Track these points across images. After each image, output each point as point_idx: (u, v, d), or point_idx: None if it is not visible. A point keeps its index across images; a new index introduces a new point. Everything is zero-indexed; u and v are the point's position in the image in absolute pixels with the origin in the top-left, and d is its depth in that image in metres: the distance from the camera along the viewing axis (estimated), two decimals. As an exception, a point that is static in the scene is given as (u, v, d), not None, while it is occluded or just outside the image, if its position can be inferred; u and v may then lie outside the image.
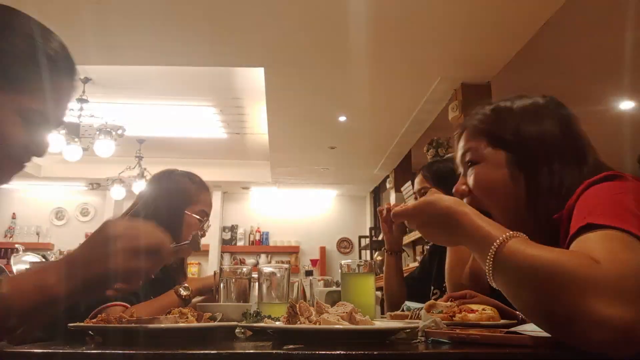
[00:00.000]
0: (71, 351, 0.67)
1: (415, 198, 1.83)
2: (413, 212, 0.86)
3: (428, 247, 2.08)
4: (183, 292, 1.44)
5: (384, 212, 1.73)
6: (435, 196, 0.85)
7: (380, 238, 6.88)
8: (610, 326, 0.58)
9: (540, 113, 0.97)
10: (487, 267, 0.71)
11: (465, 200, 1.03)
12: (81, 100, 4.64)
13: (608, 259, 0.64)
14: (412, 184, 5.78)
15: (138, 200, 1.67)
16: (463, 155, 1.03)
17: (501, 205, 0.97)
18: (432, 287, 1.86)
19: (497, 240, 0.70)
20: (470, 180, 1.00)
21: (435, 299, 1.79)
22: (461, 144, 1.04)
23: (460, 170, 1.05)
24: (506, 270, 0.69)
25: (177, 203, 1.61)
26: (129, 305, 1.40)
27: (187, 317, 0.88)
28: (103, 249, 0.73)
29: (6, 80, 0.79)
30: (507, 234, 0.70)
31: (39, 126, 0.85)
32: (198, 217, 1.63)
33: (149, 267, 0.76)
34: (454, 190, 1.06)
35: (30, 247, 6.72)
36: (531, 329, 0.81)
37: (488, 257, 0.70)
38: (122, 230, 0.75)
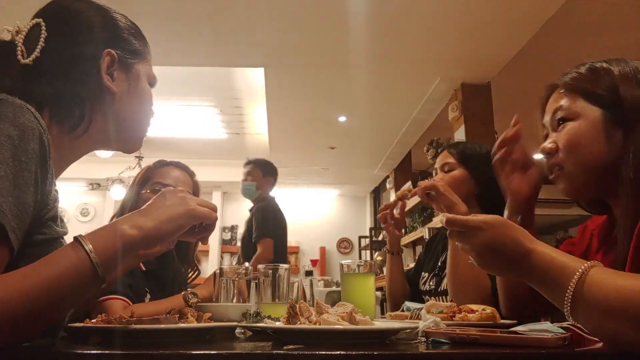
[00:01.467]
0: (71, 351, 0.67)
1: (435, 173, 1.82)
2: (474, 226, 0.76)
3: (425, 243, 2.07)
4: (191, 299, 1.42)
5: (389, 210, 1.74)
6: (504, 220, 0.77)
7: (380, 238, 6.88)
8: None
9: (637, 80, 0.91)
10: (567, 298, 0.67)
11: (549, 160, 0.99)
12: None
13: None
14: (412, 184, 5.78)
15: (121, 206, 1.67)
16: (554, 113, 0.98)
17: (589, 165, 0.92)
18: (422, 272, 1.86)
19: (579, 270, 0.66)
20: (561, 137, 0.95)
21: (424, 283, 1.80)
22: (552, 100, 0.99)
23: (547, 130, 1.01)
24: (590, 301, 0.65)
25: (134, 191, 1.63)
26: (129, 302, 1.40)
27: (187, 318, 0.88)
28: (178, 199, 0.80)
29: (140, 52, 0.95)
30: (587, 263, 0.67)
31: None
32: (152, 191, 1.61)
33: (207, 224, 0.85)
34: (540, 147, 1.00)
35: (30, 248, 6.70)
36: (531, 329, 0.81)
37: (569, 289, 0.66)
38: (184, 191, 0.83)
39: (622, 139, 0.89)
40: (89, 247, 0.69)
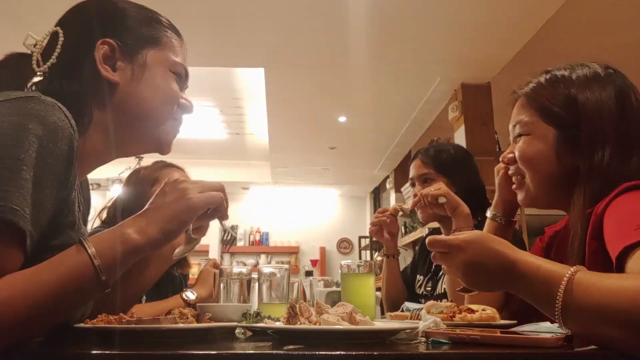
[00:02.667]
0: (71, 352, 0.67)
1: (413, 185, 1.80)
2: (455, 244, 0.76)
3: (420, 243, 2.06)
4: (190, 297, 1.43)
5: (383, 218, 1.72)
6: (483, 235, 0.77)
7: (380, 238, 6.87)
8: None
9: (599, 86, 0.95)
10: (557, 307, 0.66)
11: (511, 169, 1.06)
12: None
13: None
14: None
15: (112, 205, 1.67)
16: (514, 125, 1.03)
17: (540, 181, 0.98)
18: (417, 275, 1.86)
19: (565, 277, 0.65)
20: (517, 150, 1.01)
21: (419, 286, 1.80)
22: (514, 112, 1.04)
23: (510, 138, 1.06)
24: (580, 308, 0.64)
25: (139, 189, 1.61)
26: None
27: (187, 318, 0.88)
28: (177, 193, 0.77)
29: (146, 41, 0.90)
30: (572, 269, 0.66)
31: (183, 81, 0.95)
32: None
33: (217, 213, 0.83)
34: (500, 158, 1.08)
35: (30, 248, 6.70)
36: (531, 329, 0.81)
37: (558, 297, 0.65)
38: (189, 180, 0.80)
39: (573, 161, 0.93)
40: (92, 250, 0.68)
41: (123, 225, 0.74)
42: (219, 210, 0.83)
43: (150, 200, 0.79)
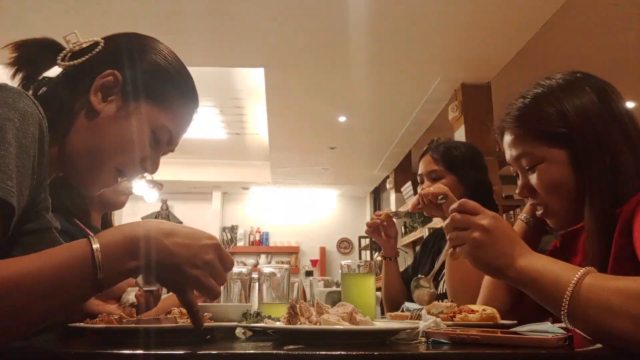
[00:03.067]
0: (71, 351, 0.67)
1: (422, 181, 1.79)
2: (489, 213, 0.80)
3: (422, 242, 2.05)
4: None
5: (377, 220, 1.71)
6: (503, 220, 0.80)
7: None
8: None
9: (577, 93, 0.96)
10: (563, 304, 0.68)
11: (530, 202, 1.04)
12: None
13: None
14: (412, 184, 5.74)
15: None
16: (517, 159, 1.01)
17: (566, 203, 0.97)
18: (419, 274, 1.85)
19: (575, 277, 0.68)
20: (535, 181, 0.98)
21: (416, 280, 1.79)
22: (508, 145, 1.02)
23: (513, 169, 1.05)
24: (590, 302, 0.67)
25: None
26: None
27: (188, 318, 0.88)
28: (198, 259, 0.68)
29: (149, 93, 0.87)
30: (583, 270, 0.69)
31: (161, 146, 0.91)
32: None
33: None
34: (517, 192, 1.05)
35: (30, 248, 6.70)
36: (531, 329, 0.81)
37: (567, 292, 0.68)
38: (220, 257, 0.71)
39: (583, 171, 0.93)
40: (96, 245, 0.64)
41: (139, 224, 0.68)
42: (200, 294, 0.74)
43: (180, 237, 0.69)
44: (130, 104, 0.86)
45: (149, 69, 0.89)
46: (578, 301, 0.67)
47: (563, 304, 0.69)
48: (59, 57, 0.85)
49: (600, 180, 0.90)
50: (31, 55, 0.85)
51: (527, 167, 1.00)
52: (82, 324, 0.83)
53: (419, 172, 1.78)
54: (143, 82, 0.87)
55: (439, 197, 1.44)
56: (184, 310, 0.89)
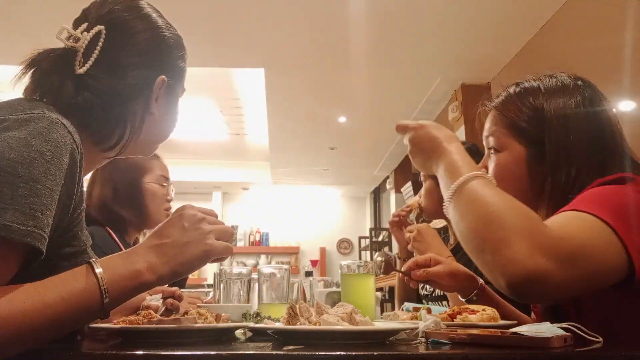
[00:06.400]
0: (69, 352, 0.67)
1: (422, 179, 1.82)
2: (413, 126, 0.93)
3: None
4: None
5: (401, 214, 1.73)
6: (435, 124, 0.91)
7: (380, 239, 6.88)
8: (526, 269, 0.64)
9: (565, 96, 0.95)
10: (446, 196, 0.78)
11: None
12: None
13: (557, 225, 0.69)
14: (413, 184, 5.72)
15: (98, 190, 1.63)
16: (487, 137, 1.04)
17: (515, 195, 0.96)
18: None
19: (462, 177, 0.77)
20: (491, 165, 1.02)
21: (422, 287, 1.80)
22: (487, 123, 1.05)
23: (484, 149, 1.06)
24: (460, 201, 0.76)
25: (130, 176, 1.60)
26: None
27: (207, 318, 0.87)
28: (197, 234, 0.75)
29: (181, 72, 0.94)
30: (473, 173, 0.77)
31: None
32: (158, 184, 1.62)
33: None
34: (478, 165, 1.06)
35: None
36: (531, 329, 0.81)
37: (450, 188, 0.77)
38: (202, 213, 0.78)
39: (541, 176, 0.93)
40: (100, 272, 0.67)
41: (136, 254, 0.72)
42: (221, 259, 0.80)
43: (165, 231, 0.75)
44: (174, 95, 0.94)
45: (173, 54, 0.92)
46: (459, 195, 0.76)
47: (448, 194, 0.77)
48: (77, 64, 0.81)
49: (561, 191, 0.88)
50: (51, 68, 0.81)
51: (490, 149, 1.02)
52: (101, 325, 0.83)
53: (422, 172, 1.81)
54: (176, 70, 0.93)
55: (410, 215, 1.50)
56: (202, 311, 0.89)
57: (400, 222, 1.76)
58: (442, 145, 0.86)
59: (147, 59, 0.87)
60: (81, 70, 0.80)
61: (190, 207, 0.78)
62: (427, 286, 1.79)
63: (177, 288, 1.15)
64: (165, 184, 1.65)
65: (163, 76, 0.88)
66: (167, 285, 1.08)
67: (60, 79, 0.80)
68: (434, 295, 1.71)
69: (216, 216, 0.81)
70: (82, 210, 0.80)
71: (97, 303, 0.66)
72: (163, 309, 1.09)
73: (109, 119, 0.83)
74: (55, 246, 0.70)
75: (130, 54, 0.86)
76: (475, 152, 1.77)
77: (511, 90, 1.02)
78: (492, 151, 1.02)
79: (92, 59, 0.81)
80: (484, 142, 1.06)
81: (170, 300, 1.10)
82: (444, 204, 0.79)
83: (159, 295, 1.12)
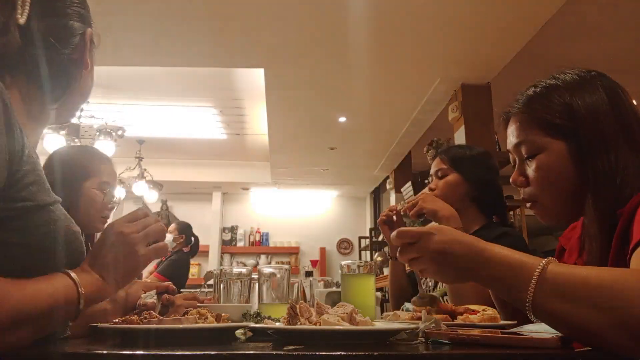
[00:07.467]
0: (67, 352, 0.67)
1: (431, 179, 1.81)
2: (426, 232, 0.76)
3: None
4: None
5: (389, 214, 1.72)
6: (447, 226, 0.80)
7: (380, 239, 6.88)
8: None
9: (588, 89, 0.95)
10: (529, 294, 0.67)
11: (522, 191, 1.02)
12: (81, 101, 4.63)
13: None
14: (412, 184, 5.72)
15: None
16: (517, 146, 0.99)
17: (559, 197, 0.95)
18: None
19: (540, 265, 0.68)
20: (531, 173, 0.97)
21: (423, 283, 1.79)
22: (512, 131, 1.01)
23: (512, 158, 1.03)
24: (555, 293, 0.66)
25: (71, 178, 1.51)
26: None
27: (207, 318, 0.87)
28: (127, 247, 0.80)
29: (89, 17, 0.92)
30: (547, 259, 0.68)
31: None
32: (99, 190, 1.55)
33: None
34: (511, 180, 1.03)
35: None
36: (531, 329, 0.81)
37: (531, 284, 0.67)
38: (128, 222, 0.82)
39: (583, 168, 0.91)
40: (76, 278, 0.73)
41: (82, 270, 0.77)
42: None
43: (99, 250, 0.79)
44: (93, 46, 0.93)
45: (89, 11, 0.92)
46: (544, 287, 0.67)
47: (529, 291, 0.67)
48: (18, 13, 0.78)
49: (604, 178, 0.88)
50: None
51: (526, 156, 0.98)
52: (100, 325, 0.83)
53: (430, 172, 1.82)
54: (85, 19, 0.91)
55: (399, 205, 1.50)
56: (202, 311, 0.89)
57: (389, 223, 1.75)
58: (479, 245, 0.74)
59: (78, 10, 0.89)
60: (22, 21, 0.79)
61: (117, 225, 0.82)
62: (428, 282, 1.79)
63: (170, 283, 1.19)
64: (104, 191, 1.57)
65: (90, 29, 0.90)
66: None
67: (6, 28, 0.78)
68: (435, 290, 1.71)
69: (146, 215, 0.84)
70: (35, 163, 0.76)
71: (75, 303, 0.72)
72: (160, 305, 1.09)
73: (57, 68, 0.85)
74: (5, 199, 0.70)
75: (61, 7, 0.87)
76: (475, 152, 1.77)
77: (531, 92, 1.01)
78: (527, 159, 0.98)
79: (27, 8, 0.79)
80: (513, 152, 1.02)
81: (165, 295, 1.13)
82: (526, 304, 0.68)
83: (153, 292, 1.13)
